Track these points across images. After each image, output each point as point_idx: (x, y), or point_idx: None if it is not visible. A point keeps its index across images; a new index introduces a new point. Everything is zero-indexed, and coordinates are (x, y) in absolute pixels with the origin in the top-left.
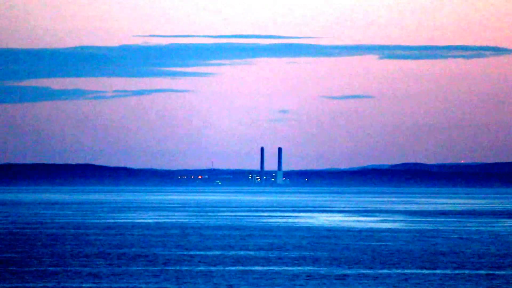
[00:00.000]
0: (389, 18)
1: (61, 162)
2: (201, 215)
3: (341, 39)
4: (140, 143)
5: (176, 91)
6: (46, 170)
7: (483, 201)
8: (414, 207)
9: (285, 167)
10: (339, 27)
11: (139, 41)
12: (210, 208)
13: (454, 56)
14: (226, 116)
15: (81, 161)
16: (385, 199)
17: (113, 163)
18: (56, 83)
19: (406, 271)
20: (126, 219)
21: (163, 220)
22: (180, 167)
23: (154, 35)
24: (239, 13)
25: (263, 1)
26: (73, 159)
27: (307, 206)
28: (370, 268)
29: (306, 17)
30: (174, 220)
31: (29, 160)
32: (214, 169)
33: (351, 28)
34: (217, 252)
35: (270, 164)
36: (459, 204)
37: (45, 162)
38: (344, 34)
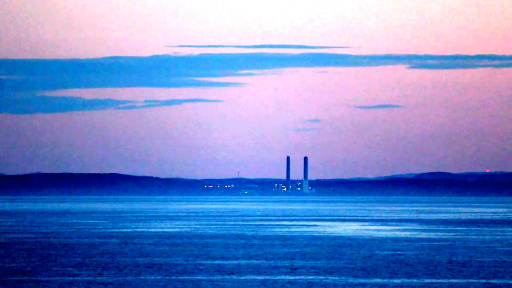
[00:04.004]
0: (418, 28)
1: (89, 172)
2: (225, 225)
3: (370, 48)
4: (168, 153)
5: (206, 101)
6: (75, 180)
7: (507, 210)
8: (438, 216)
9: (311, 176)
10: (368, 36)
11: (169, 51)
12: (235, 218)
13: (484, 66)
14: (253, 125)
15: (108, 171)
16: (411, 208)
17: (140, 172)
18: (87, 93)
19: (423, 280)
20: (151, 228)
21: (187, 229)
22: (206, 177)
23: (184, 46)
24: (269, 23)
25: (292, 11)
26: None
27: (331, 216)
28: (385, 277)
29: (335, 27)
30: (198, 230)
31: (58, 169)
32: (240, 179)
33: (380, 38)
34: (235, 262)
35: (296, 174)
36: (485, 213)
37: (75, 171)
38: (373, 44)
